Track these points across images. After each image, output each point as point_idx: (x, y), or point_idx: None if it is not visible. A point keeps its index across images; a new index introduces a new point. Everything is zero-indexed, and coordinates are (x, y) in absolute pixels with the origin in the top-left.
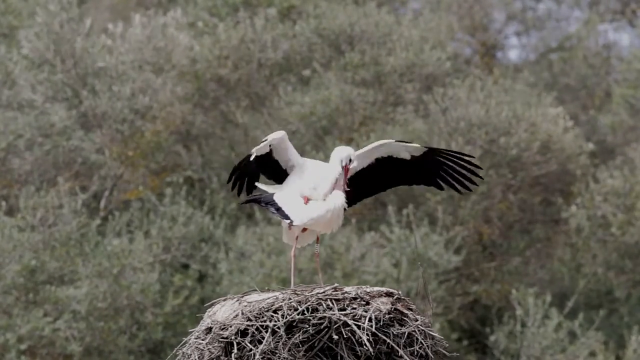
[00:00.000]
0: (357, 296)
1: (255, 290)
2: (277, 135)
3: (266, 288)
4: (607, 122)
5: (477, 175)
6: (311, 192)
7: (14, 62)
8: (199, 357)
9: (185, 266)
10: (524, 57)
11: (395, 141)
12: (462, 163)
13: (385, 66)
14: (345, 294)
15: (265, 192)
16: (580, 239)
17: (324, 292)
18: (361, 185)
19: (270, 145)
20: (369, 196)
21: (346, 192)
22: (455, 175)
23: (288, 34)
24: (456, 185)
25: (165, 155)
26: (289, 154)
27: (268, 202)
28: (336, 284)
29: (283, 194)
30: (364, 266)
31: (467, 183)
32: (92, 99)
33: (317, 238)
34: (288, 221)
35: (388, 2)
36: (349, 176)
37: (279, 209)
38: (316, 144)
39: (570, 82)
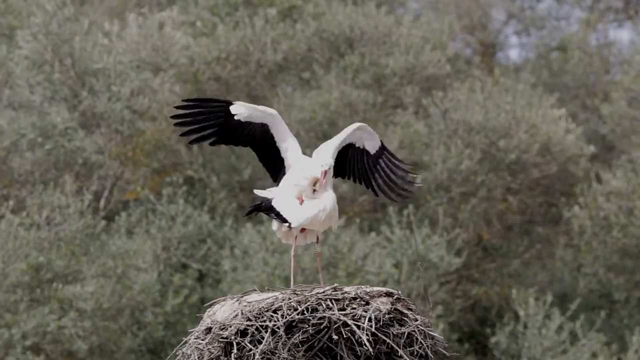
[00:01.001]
0: (356, 296)
1: (255, 290)
2: (270, 110)
3: (266, 288)
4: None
5: (408, 189)
6: (295, 189)
7: (15, 63)
8: (198, 357)
9: (185, 266)
10: (524, 56)
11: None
12: (398, 172)
13: (385, 68)
14: (345, 294)
15: (265, 198)
16: (583, 240)
17: (323, 292)
18: None
19: (270, 129)
20: None
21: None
22: (390, 183)
23: (288, 33)
24: (388, 192)
25: (166, 154)
26: (288, 146)
27: (268, 209)
28: (336, 284)
29: (280, 199)
30: (366, 266)
31: (398, 192)
32: (90, 99)
33: (317, 238)
34: (287, 224)
35: (387, 2)
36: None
37: (278, 214)
38: (317, 146)
39: (570, 81)
